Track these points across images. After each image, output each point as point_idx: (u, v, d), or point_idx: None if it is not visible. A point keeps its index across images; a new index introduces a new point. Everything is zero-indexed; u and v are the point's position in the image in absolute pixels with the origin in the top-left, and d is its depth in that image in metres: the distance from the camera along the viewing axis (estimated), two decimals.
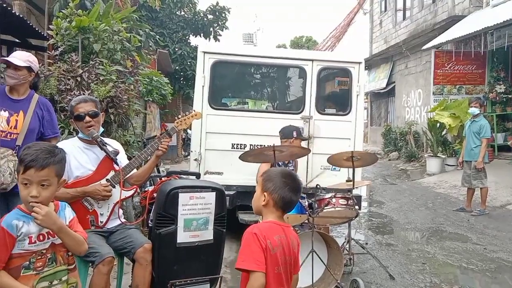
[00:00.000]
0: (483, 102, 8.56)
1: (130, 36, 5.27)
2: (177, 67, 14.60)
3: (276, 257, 1.90)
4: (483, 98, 9.65)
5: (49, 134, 3.27)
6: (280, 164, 4.50)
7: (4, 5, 4.20)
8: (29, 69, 3.18)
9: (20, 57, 3.17)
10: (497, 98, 11.26)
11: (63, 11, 5.08)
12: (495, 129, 10.85)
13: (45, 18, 6.72)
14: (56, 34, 4.72)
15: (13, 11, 4.49)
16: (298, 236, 2.14)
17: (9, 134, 3.10)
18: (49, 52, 5.11)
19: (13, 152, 3.04)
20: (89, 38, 4.65)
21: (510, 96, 11.20)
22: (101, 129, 3.11)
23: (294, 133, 4.44)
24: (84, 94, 4.23)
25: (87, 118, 2.94)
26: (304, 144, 4.97)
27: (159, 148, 3.03)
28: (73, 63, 4.45)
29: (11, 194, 3.11)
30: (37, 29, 5.10)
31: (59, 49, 4.74)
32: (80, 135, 3.03)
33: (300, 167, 4.93)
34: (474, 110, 7.22)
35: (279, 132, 4.57)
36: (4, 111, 3.13)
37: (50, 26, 5.03)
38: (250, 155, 3.93)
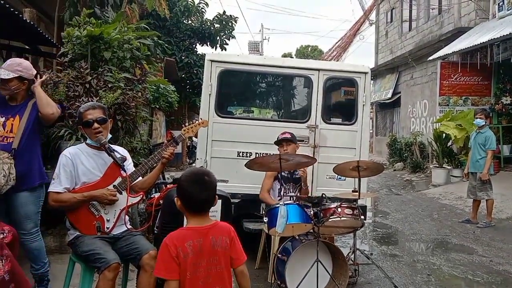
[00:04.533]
0: (489, 114, 8.53)
1: (140, 44, 5.31)
2: (183, 75, 14.68)
3: (188, 262, 2.01)
4: (488, 110, 9.63)
5: None
6: (286, 173, 4.49)
7: (16, 12, 4.27)
8: (20, 78, 3.21)
9: (8, 68, 3.19)
10: (503, 110, 11.23)
11: (76, 17, 5.15)
12: (501, 140, 10.81)
13: (55, 25, 6.81)
14: (67, 42, 4.78)
15: (23, 18, 4.55)
16: (229, 229, 2.17)
17: (5, 138, 3.18)
18: (58, 59, 5.17)
19: (9, 155, 3.10)
20: (100, 46, 4.70)
21: None
22: (109, 136, 3.13)
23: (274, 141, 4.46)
24: (92, 101, 4.26)
25: (95, 125, 2.95)
26: (310, 152, 4.98)
27: (163, 155, 3.04)
28: (81, 70, 4.50)
29: (9, 196, 3.14)
30: (46, 36, 5.17)
31: (68, 56, 4.79)
32: (88, 141, 3.05)
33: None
34: (480, 122, 7.20)
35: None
36: (1, 117, 3.20)
37: (61, 33, 5.09)
38: (256, 163, 3.94)
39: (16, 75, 3.18)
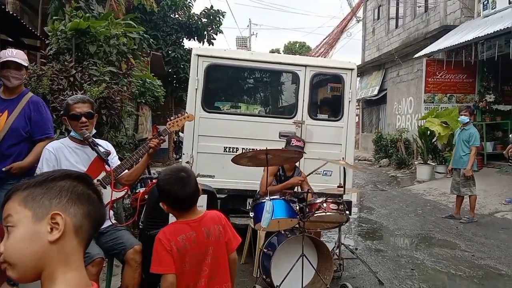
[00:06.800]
0: (473, 111, 8.67)
1: (126, 38, 5.26)
2: (170, 70, 14.57)
3: (183, 255, 2.02)
4: (473, 107, 9.77)
5: (38, 135, 3.20)
6: (282, 175, 4.43)
7: None
8: (26, 67, 3.21)
9: (20, 57, 3.15)
10: (487, 107, 11.41)
11: (64, 9, 5.08)
12: (485, 137, 10.97)
13: (39, 17, 6.70)
14: (52, 36, 4.71)
15: (6, 10, 4.47)
16: (219, 216, 2.20)
17: None
18: (42, 52, 5.09)
19: None
20: (85, 40, 4.64)
21: (499, 106, 11.36)
22: (94, 130, 3.09)
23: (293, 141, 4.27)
24: (77, 94, 4.21)
25: (83, 119, 2.92)
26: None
27: (150, 144, 3.00)
28: (66, 63, 4.44)
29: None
30: (30, 28, 5.08)
31: (52, 49, 4.72)
32: (72, 133, 3.00)
33: None
34: (464, 119, 7.30)
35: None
36: None
37: (45, 27, 5.01)
38: (243, 158, 3.93)
39: (26, 64, 3.17)
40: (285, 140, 4.46)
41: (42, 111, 3.25)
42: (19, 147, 3.16)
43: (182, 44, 15.43)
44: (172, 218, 2.88)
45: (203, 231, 2.08)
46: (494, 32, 9.12)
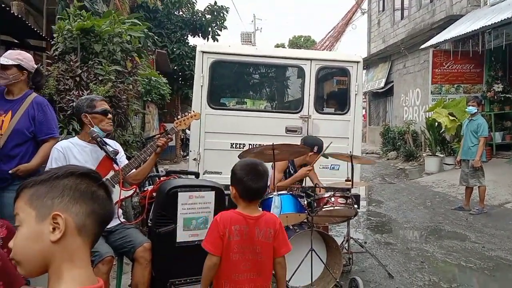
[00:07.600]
0: (481, 101, 8.57)
1: (131, 37, 5.27)
2: (175, 67, 14.60)
3: (232, 244, 2.17)
4: (480, 97, 9.68)
5: (41, 135, 3.18)
6: (292, 171, 4.42)
7: (3, 5, 4.21)
8: (19, 67, 3.12)
9: (8, 56, 3.12)
10: (495, 97, 11.28)
11: (67, 9, 5.11)
12: (493, 128, 10.87)
13: (44, 18, 6.73)
14: (58, 36, 4.73)
15: (11, 11, 4.49)
16: (275, 221, 2.32)
17: None
18: (48, 53, 5.12)
19: None
20: (91, 39, 4.66)
21: (508, 95, 11.23)
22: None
23: (315, 148, 4.19)
24: (83, 94, 4.24)
25: (110, 115, 3.08)
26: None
27: (157, 143, 3.03)
28: (71, 63, 4.46)
29: (5, 190, 3.09)
30: (35, 29, 5.10)
31: (58, 49, 4.74)
32: (95, 129, 2.95)
33: None
34: (472, 109, 7.23)
35: (301, 139, 4.44)
36: None
37: (52, 27, 5.04)
38: (250, 153, 3.93)
39: (16, 63, 3.09)
40: (303, 141, 4.36)
41: (46, 111, 3.22)
42: (24, 147, 3.15)
43: (186, 41, 15.44)
44: (180, 217, 2.89)
45: (255, 230, 2.22)
46: (501, 20, 9.00)
